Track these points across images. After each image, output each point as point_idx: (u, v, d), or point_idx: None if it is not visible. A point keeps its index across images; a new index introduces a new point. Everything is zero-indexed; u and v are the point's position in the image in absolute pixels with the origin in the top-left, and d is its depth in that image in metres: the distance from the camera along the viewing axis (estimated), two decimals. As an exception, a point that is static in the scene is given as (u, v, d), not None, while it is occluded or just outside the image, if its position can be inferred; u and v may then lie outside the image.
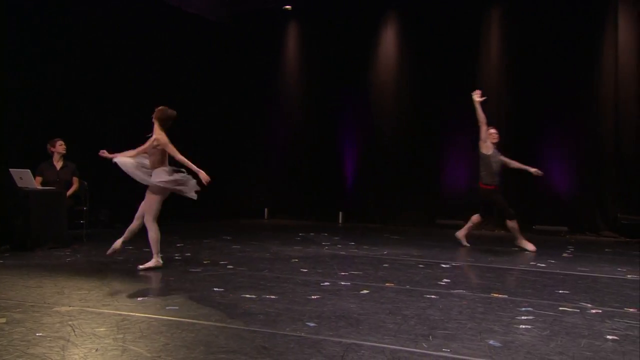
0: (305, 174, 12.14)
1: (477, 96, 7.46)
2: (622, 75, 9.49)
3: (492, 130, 7.66)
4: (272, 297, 4.52)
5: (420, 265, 6.23)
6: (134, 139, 5.90)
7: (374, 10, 11.59)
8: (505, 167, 7.75)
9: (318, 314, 3.99)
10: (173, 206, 10.79)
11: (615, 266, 6.38)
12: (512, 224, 7.58)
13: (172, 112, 5.67)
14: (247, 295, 4.55)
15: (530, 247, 7.46)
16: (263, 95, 12.61)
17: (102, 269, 5.71)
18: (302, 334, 3.48)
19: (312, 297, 4.53)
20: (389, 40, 11.54)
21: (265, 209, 12.61)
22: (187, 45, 11.58)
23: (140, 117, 10.49)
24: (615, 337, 3.52)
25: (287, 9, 12.29)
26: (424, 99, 11.12)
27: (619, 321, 3.92)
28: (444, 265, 6.24)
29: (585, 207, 9.75)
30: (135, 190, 5.86)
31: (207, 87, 12.05)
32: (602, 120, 9.78)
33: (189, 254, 6.80)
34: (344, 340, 3.38)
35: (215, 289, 4.79)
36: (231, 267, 5.92)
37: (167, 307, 4.16)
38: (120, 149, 5.80)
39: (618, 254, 7.46)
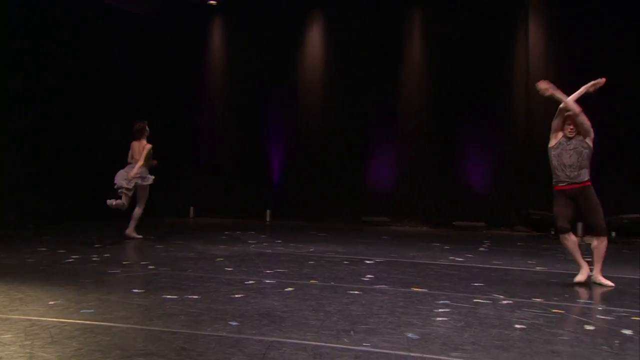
0: (232, 172, 12.00)
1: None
2: (533, 76, 10.09)
3: None
4: (194, 297, 4.43)
5: (345, 262, 6.33)
6: (45, 133, 5.59)
7: (300, 8, 11.65)
8: None
9: (241, 312, 3.96)
10: (93, 206, 10.51)
11: (526, 259, 6.77)
12: None
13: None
14: (169, 296, 4.43)
15: None
16: (187, 91, 12.34)
17: (10, 272, 5.37)
18: (224, 334, 3.44)
19: (236, 296, 4.49)
20: (314, 39, 11.64)
21: (191, 207, 12.35)
22: (106, 38, 11.10)
23: (56, 111, 10.09)
24: (523, 326, 3.73)
25: (212, 4, 12.10)
26: (350, 97, 11.30)
27: (527, 311, 4.16)
28: (368, 262, 6.37)
29: (500, 203, 10.29)
30: (45, 191, 5.57)
31: (128, 82, 11.61)
32: (514, 120, 10.37)
33: (107, 255, 6.53)
34: (266, 338, 3.37)
35: (134, 290, 4.63)
36: (153, 267, 5.75)
37: (81, 311, 3.98)
38: (29, 144, 5.48)
39: (529, 248, 7.93)
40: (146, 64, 12.00)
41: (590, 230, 5.27)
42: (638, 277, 5.67)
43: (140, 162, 7.79)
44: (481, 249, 7.73)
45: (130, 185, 7.63)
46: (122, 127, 11.18)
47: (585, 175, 5.16)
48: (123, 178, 7.65)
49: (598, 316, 4.03)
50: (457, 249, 7.56)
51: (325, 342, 3.32)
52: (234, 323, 3.68)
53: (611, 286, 5.08)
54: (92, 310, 3.98)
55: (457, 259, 6.72)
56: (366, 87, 11.08)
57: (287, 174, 11.83)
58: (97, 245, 7.24)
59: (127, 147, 8.23)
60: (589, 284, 5.21)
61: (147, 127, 8.11)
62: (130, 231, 8.00)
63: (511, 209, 10.14)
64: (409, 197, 10.84)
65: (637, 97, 9.27)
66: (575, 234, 9.26)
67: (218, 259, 6.36)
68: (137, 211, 8.01)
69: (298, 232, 9.45)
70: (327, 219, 11.15)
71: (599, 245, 5.13)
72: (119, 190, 7.59)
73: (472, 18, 10.36)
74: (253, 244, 7.85)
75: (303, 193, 11.51)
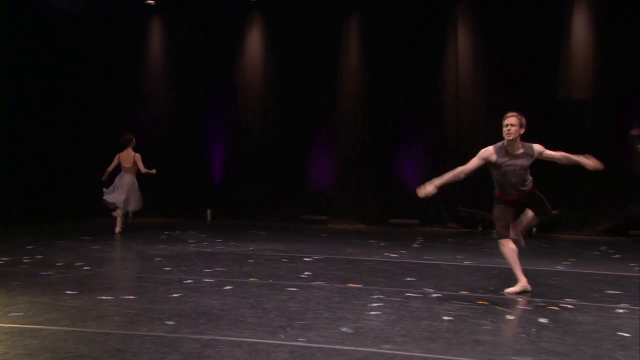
0: (172, 172, 11.83)
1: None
2: (462, 82, 10.58)
3: None
4: (130, 297, 4.40)
5: (284, 260, 6.41)
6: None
7: (239, 9, 11.66)
8: None
9: (178, 312, 3.97)
10: (25, 206, 10.12)
11: (456, 254, 7.09)
12: None
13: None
14: (103, 297, 4.37)
15: None
16: (125, 90, 12.08)
17: None
18: (160, 333, 3.45)
19: (173, 295, 4.48)
20: (254, 40, 11.69)
21: (130, 207, 12.08)
22: (40, 36, 10.67)
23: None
24: (451, 318, 3.94)
25: (149, 3, 11.89)
26: (289, 98, 11.44)
27: (454, 303, 4.39)
28: (306, 259, 6.49)
29: (432, 202, 10.69)
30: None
31: (64, 82, 11.22)
32: (445, 121, 10.83)
33: (40, 257, 6.33)
34: (202, 336, 3.41)
35: (67, 292, 4.53)
36: (88, 268, 5.63)
37: (9, 314, 3.87)
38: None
39: (458, 243, 8.31)
40: (83, 63, 11.67)
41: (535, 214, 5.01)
42: (555, 269, 6.08)
43: (142, 169, 9.04)
44: (415, 245, 8.03)
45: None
46: (61, 127, 10.90)
47: (528, 184, 4.86)
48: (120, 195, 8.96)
49: (518, 306, 4.31)
50: (392, 245, 7.81)
51: (262, 339, 3.39)
52: (171, 322, 3.69)
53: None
54: (22, 313, 3.88)
55: (391, 255, 6.95)
56: (305, 88, 11.25)
57: (227, 174, 11.81)
58: (29, 247, 6.99)
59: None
60: (504, 276, 5.53)
61: (133, 139, 9.24)
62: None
63: (443, 207, 10.59)
64: (347, 196, 11.11)
65: (555, 100, 9.93)
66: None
67: (156, 259, 6.30)
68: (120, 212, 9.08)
69: (238, 231, 9.46)
70: (268, 218, 11.21)
71: (529, 214, 4.98)
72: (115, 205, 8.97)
73: (406, 24, 10.74)
74: (193, 243, 7.80)
75: (243, 192, 11.53)
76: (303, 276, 5.43)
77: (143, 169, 9.01)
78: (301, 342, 3.34)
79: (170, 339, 3.35)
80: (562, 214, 9.59)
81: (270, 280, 5.18)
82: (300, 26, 11.28)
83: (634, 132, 8.92)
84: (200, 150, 11.90)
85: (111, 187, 9.05)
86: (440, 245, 8.10)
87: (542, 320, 3.92)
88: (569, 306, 4.35)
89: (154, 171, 9.06)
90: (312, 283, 5.08)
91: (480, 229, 9.92)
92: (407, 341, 3.43)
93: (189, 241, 8.01)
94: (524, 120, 4.79)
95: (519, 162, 4.77)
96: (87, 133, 11.74)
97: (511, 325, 3.82)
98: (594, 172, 9.93)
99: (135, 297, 4.40)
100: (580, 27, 9.96)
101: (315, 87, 11.22)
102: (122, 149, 9.18)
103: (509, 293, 4.73)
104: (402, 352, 3.18)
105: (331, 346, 3.28)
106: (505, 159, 4.77)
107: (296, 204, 11.18)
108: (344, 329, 3.61)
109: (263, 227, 10.24)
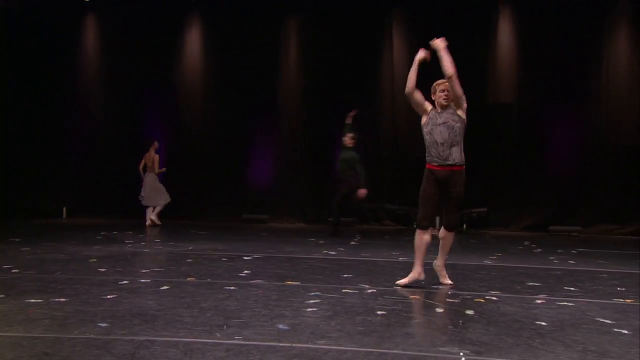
0: (110, 172, 11.56)
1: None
2: (398, 84, 10.91)
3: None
4: (61, 300, 4.28)
5: (224, 259, 6.40)
6: None
7: (177, 9, 11.51)
8: None
9: (112, 313, 3.90)
10: None
11: (392, 250, 7.31)
12: None
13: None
14: (32, 300, 4.23)
15: None
16: (60, 89, 11.67)
17: None
18: (92, 336, 3.39)
19: (108, 297, 4.40)
20: (193, 39, 11.59)
21: (64, 208, 11.69)
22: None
23: None
24: (384, 312, 4.08)
25: (85, 0, 11.54)
26: (229, 97, 11.43)
27: (388, 298, 4.54)
28: (246, 258, 6.50)
29: (371, 200, 10.95)
30: None
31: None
32: (382, 124, 11.14)
33: (-37, 260, 6.02)
34: (136, 338, 3.37)
35: (-7, 296, 4.36)
36: (16, 270, 5.42)
37: None
38: None
39: (394, 240, 8.57)
40: (16, 59, 11.19)
41: (443, 222, 5.05)
42: (482, 264, 6.39)
43: (155, 169, 10.54)
44: (352, 242, 8.21)
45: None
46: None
47: (457, 156, 4.76)
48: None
49: (447, 300, 4.51)
50: (331, 243, 7.95)
51: (198, 338, 3.39)
52: (103, 324, 3.63)
53: (450, 284, 4.97)
54: (-57, 320, 3.70)
55: (330, 252, 7.08)
56: (245, 87, 11.28)
57: (167, 173, 11.63)
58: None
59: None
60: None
61: (155, 142, 10.63)
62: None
63: (380, 205, 10.88)
64: (288, 195, 11.21)
65: (483, 104, 10.41)
66: (434, 226, 10.38)
67: (91, 260, 6.14)
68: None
69: (178, 231, 9.34)
70: (208, 218, 11.13)
71: (446, 237, 4.97)
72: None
73: (343, 27, 10.97)
74: (130, 243, 7.65)
75: (183, 192, 11.40)
76: (242, 275, 5.45)
77: (156, 170, 10.48)
78: (237, 340, 3.37)
79: (103, 341, 3.30)
80: (489, 211, 10.11)
81: (209, 280, 5.17)
82: (240, 26, 11.30)
83: (348, 120, 9.25)
84: (140, 150, 11.67)
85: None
86: (377, 242, 8.32)
87: (469, 312, 4.12)
88: (494, 298, 4.59)
89: (164, 169, 10.66)
90: (251, 281, 5.11)
91: (415, 226, 10.24)
92: (342, 336, 3.52)
93: (126, 241, 7.84)
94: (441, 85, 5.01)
95: (445, 115, 4.80)
96: (18, 133, 11.29)
97: (440, 317, 4.00)
98: (519, 172, 10.61)
99: (67, 300, 4.28)
100: (505, 35, 10.51)
101: (254, 87, 11.26)
102: (146, 150, 10.57)
103: (399, 285, 4.88)
104: (337, 347, 3.27)
105: (267, 343, 3.33)
106: (434, 113, 4.89)
107: (237, 203, 11.17)
108: (280, 326, 3.66)
109: (203, 226, 10.15)
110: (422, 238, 4.90)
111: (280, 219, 11.23)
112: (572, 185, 10.26)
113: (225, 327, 3.63)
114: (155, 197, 10.50)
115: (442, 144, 4.75)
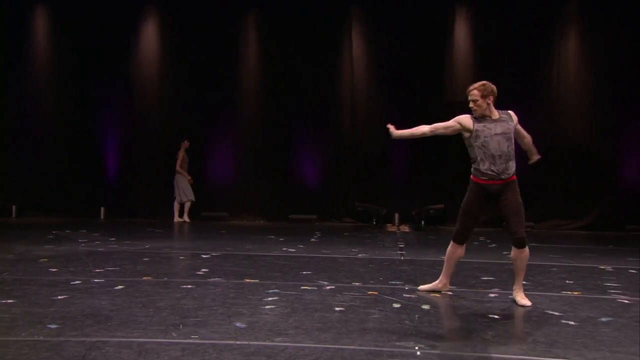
0: (62, 168, 11.21)
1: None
2: (357, 85, 11.00)
3: None
4: (9, 301, 4.13)
5: (181, 257, 6.31)
6: None
7: (134, 1, 11.27)
8: None
9: (63, 314, 3.79)
10: None
11: (351, 247, 7.36)
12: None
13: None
14: (-23, 303, 4.07)
15: None
16: (6, 85, 11.24)
17: None
18: (41, 338, 3.29)
19: (59, 297, 4.27)
20: (149, 33, 11.35)
21: (13, 207, 11.27)
22: None
23: None
24: (342, 308, 4.11)
25: None
26: (187, 94, 11.25)
27: (346, 294, 4.57)
28: (204, 256, 6.43)
29: (330, 197, 11.05)
30: None
31: None
32: (341, 120, 11.20)
33: None
34: (88, 339, 3.29)
35: None
36: (-40, 272, 5.20)
37: None
38: None
39: (354, 237, 8.63)
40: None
41: (512, 240, 4.31)
42: (440, 259, 6.49)
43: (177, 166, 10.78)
44: (312, 239, 8.22)
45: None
46: None
47: (513, 167, 4.26)
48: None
49: (405, 295, 4.57)
50: (290, 240, 7.94)
51: (153, 338, 3.34)
52: (53, 326, 3.52)
53: (528, 305, 4.21)
54: None
55: (290, 249, 7.07)
56: (203, 84, 11.14)
57: (122, 170, 11.39)
58: None
59: None
60: (394, 267, 5.86)
61: (185, 141, 10.75)
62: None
63: (339, 202, 10.96)
64: (247, 192, 11.14)
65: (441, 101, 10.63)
66: (393, 222, 10.56)
67: (41, 260, 5.94)
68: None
69: (134, 229, 9.14)
70: (165, 216, 10.95)
71: (519, 256, 4.24)
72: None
73: (302, 25, 10.95)
74: (84, 242, 7.44)
75: (140, 189, 11.18)
76: (200, 273, 5.38)
77: (177, 166, 10.70)
78: (193, 339, 3.33)
79: (52, 343, 3.20)
80: (447, 207, 10.33)
81: (165, 279, 5.08)
82: (198, 21, 11.13)
83: None
84: (93, 147, 11.38)
85: None
86: (336, 239, 8.36)
87: (425, 306, 4.19)
88: (450, 293, 4.69)
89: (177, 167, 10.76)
90: (209, 280, 5.06)
91: (374, 223, 10.36)
92: (300, 333, 3.53)
93: (80, 240, 7.62)
94: (489, 88, 4.27)
95: (499, 126, 4.18)
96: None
97: (397, 313, 4.05)
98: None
99: (14, 301, 4.13)
100: (462, 33, 10.73)
101: (213, 84, 11.13)
102: (178, 149, 10.78)
103: (420, 290, 4.65)
104: (294, 344, 3.27)
105: (224, 342, 3.31)
106: (482, 124, 4.21)
107: (196, 200, 11.01)
108: (237, 324, 3.64)
109: (160, 224, 9.97)
110: (456, 252, 4.54)
111: (240, 216, 11.15)
112: (524, 182, 10.54)
113: (181, 326, 3.58)
114: (179, 194, 10.65)
115: (500, 157, 4.22)
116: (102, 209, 11.23)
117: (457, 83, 10.73)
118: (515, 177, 4.32)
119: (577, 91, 10.53)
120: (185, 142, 10.70)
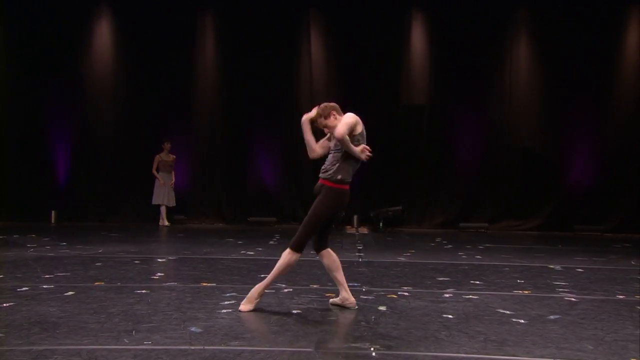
0: (9, 172, 10.80)
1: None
2: (316, 86, 11.04)
3: None
4: (-51, 310, 3.94)
5: (136, 262, 6.17)
6: None
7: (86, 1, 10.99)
8: None
9: (7, 322, 3.64)
10: None
11: (310, 249, 7.32)
12: None
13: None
14: None
15: None
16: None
17: None
18: (-17, 347, 3.15)
19: (4, 305, 4.10)
20: (103, 34, 11.09)
21: (-43, 211, 10.78)
22: None
23: None
24: (299, 311, 4.10)
25: None
26: (142, 95, 11.04)
27: (304, 297, 4.56)
28: (159, 260, 6.30)
29: (290, 199, 11.02)
30: None
31: None
32: (299, 123, 11.14)
33: None
34: (35, 347, 3.17)
35: None
36: None
37: None
38: None
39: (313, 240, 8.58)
40: None
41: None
42: (397, 260, 6.59)
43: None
44: (271, 242, 8.18)
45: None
46: None
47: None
48: None
49: (361, 296, 4.60)
50: (249, 243, 7.88)
51: (103, 345, 3.25)
52: (-3, 335, 3.38)
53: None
54: None
55: (248, 252, 7.01)
56: (159, 85, 10.95)
57: (74, 173, 11.07)
58: None
59: None
60: (352, 269, 5.90)
61: (165, 144, 10.57)
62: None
63: (298, 204, 10.94)
64: (205, 195, 11.01)
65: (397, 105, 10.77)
66: (352, 224, 10.64)
67: (-14, 266, 5.70)
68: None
69: (87, 233, 8.89)
70: (120, 219, 10.70)
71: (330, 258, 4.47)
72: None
73: (260, 25, 10.93)
74: (32, 247, 7.17)
75: (93, 192, 10.90)
76: (155, 277, 5.27)
77: (152, 170, 10.50)
78: (146, 345, 3.25)
79: (-4, 353, 3.07)
80: (405, 209, 10.48)
81: (119, 284, 4.95)
82: (153, 20, 10.94)
83: None
84: (42, 149, 11.01)
85: None
86: (295, 241, 8.32)
87: (381, 307, 4.23)
88: (405, 294, 4.75)
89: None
90: (164, 284, 4.96)
91: (333, 225, 10.38)
92: (256, 336, 3.50)
93: (28, 245, 7.35)
94: (328, 108, 4.47)
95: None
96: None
97: (354, 314, 4.07)
98: (431, 172, 11.11)
99: (-44, 310, 3.95)
100: (418, 38, 10.93)
101: (169, 85, 10.97)
102: (160, 151, 10.58)
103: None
104: (250, 348, 3.24)
105: (178, 347, 3.25)
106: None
107: (151, 203, 10.79)
108: (192, 329, 3.58)
109: (115, 228, 9.72)
110: (292, 259, 4.43)
111: (198, 219, 10.99)
112: (478, 183, 10.83)
113: (134, 332, 3.50)
114: (162, 196, 10.45)
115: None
116: (53, 212, 10.87)
117: (413, 86, 10.92)
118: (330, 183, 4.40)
119: (528, 93, 10.87)
120: (166, 144, 10.46)
